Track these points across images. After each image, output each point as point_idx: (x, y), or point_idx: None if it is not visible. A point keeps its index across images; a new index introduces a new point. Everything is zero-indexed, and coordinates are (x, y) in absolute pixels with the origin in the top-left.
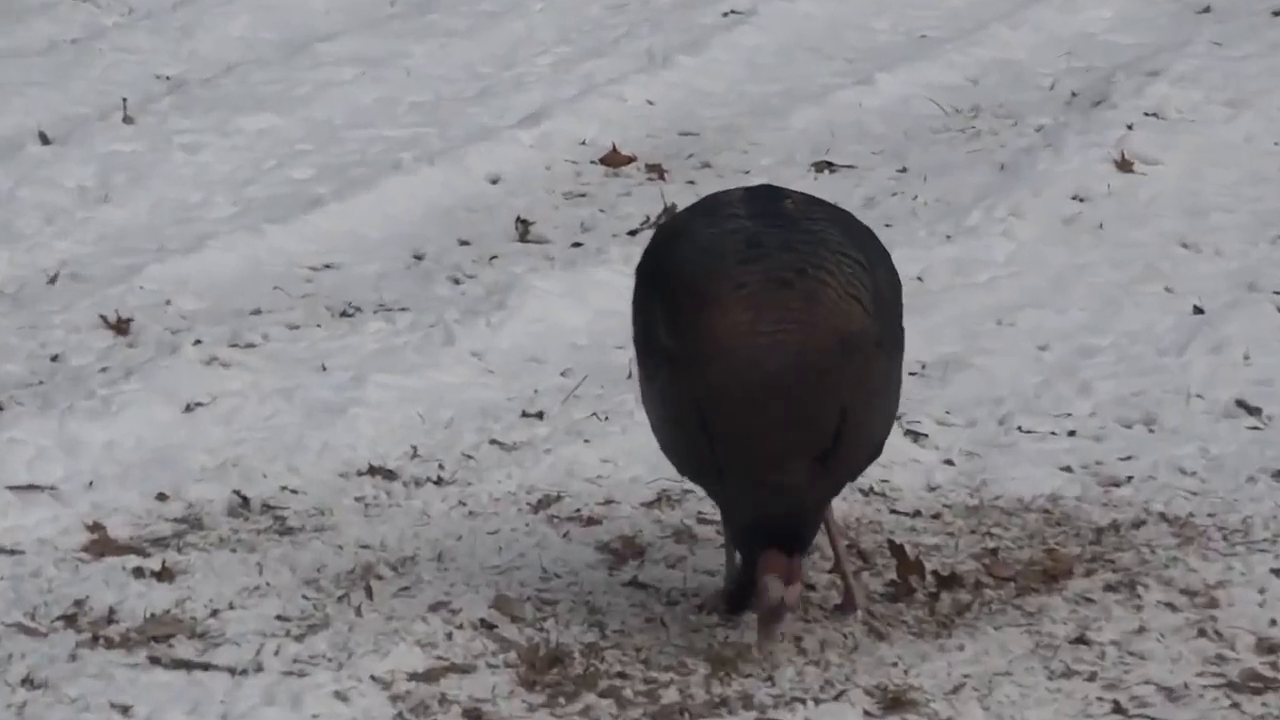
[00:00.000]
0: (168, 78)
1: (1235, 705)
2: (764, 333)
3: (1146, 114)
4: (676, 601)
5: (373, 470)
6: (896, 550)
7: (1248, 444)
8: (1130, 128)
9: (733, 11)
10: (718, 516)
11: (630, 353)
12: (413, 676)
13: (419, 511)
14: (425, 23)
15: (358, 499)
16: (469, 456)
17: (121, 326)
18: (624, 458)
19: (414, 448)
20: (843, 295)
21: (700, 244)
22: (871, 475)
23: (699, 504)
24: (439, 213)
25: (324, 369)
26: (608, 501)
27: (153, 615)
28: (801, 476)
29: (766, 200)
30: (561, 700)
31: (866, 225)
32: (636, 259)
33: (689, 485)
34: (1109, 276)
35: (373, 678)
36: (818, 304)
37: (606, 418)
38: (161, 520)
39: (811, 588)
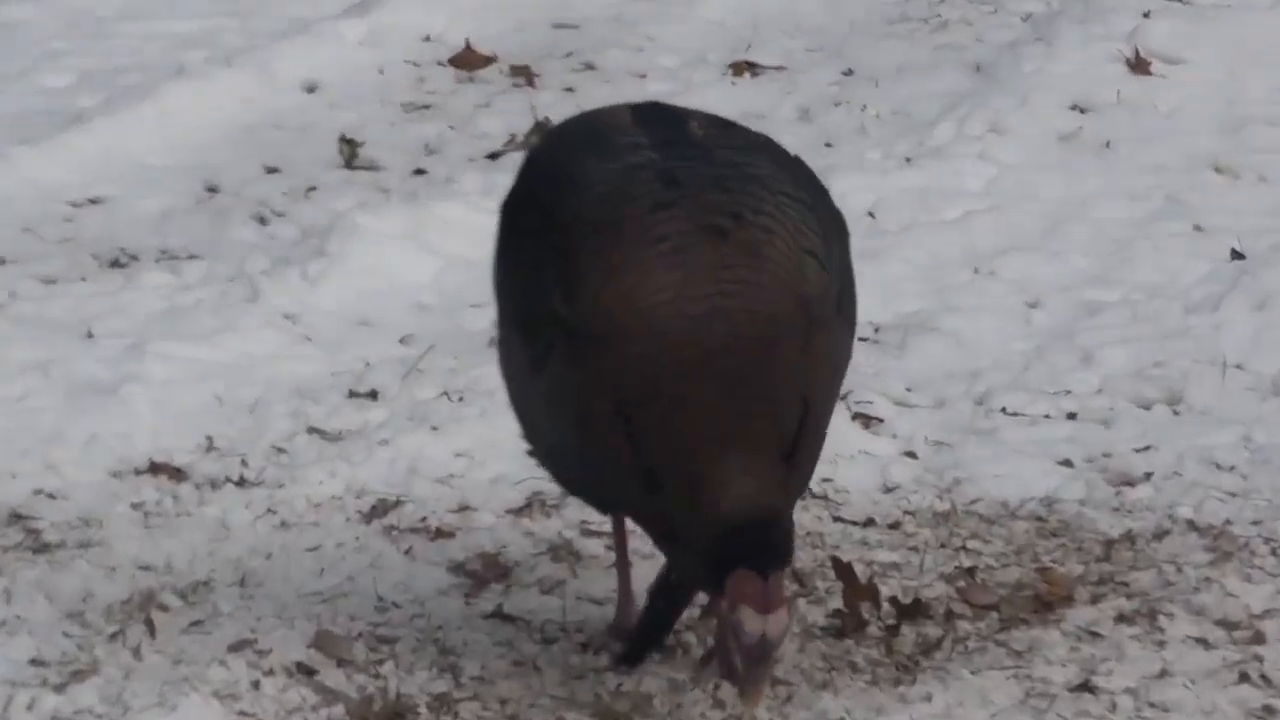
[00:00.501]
0: None
1: None
2: (697, 298)
3: None
4: (554, 639)
5: (155, 468)
6: (843, 570)
7: None
8: (1147, 15)
9: None
10: (605, 527)
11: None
12: None
13: (215, 522)
14: None
15: (135, 506)
16: (280, 450)
17: None
18: (483, 451)
19: (209, 439)
20: (792, 248)
21: (597, 186)
22: None
23: (584, 510)
24: (238, 131)
25: (90, 336)
26: (462, 508)
27: None
28: (769, 479)
29: (666, 125)
30: None
31: (793, 154)
32: (499, 190)
33: None
34: (1119, 212)
35: None
36: (763, 259)
37: (460, 399)
38: None
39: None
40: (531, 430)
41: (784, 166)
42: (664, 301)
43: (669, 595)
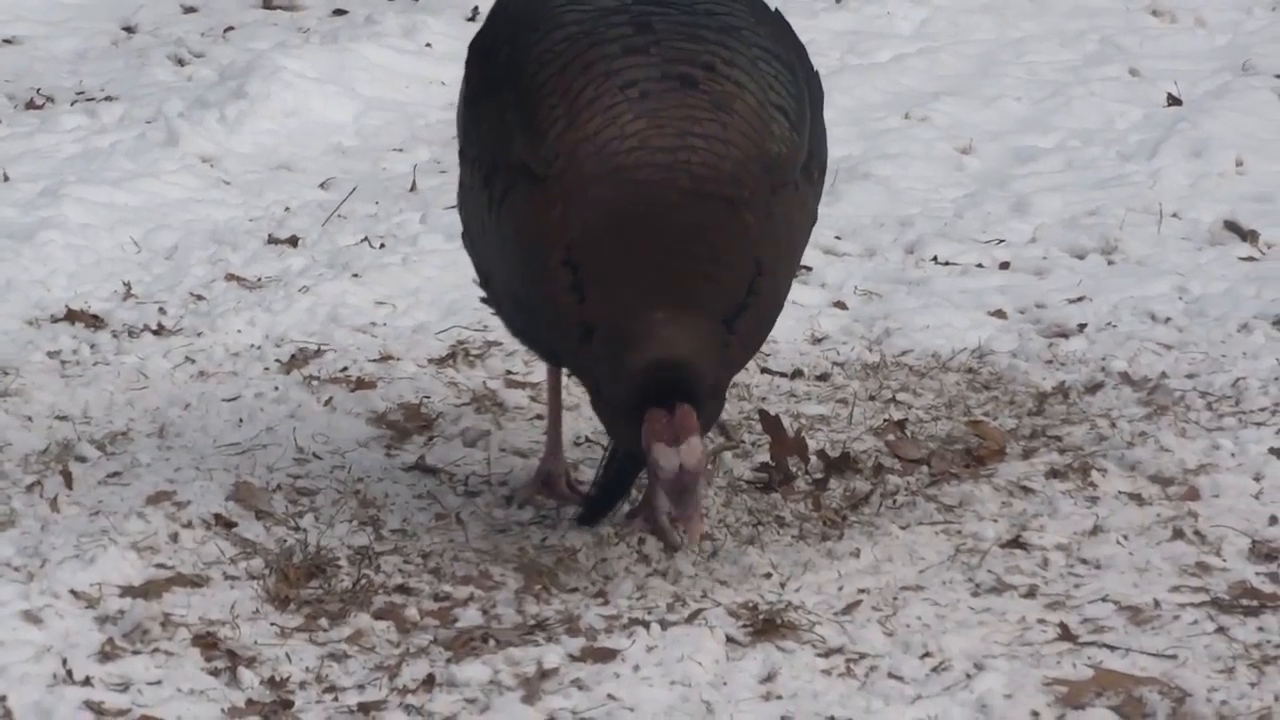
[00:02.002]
0: None
1: (1221, 630)
2: (661, 149)
3: None
4: (477, 492)
5: (71, 316)
6: (770, 423)
7: (1240, 281)
8: None
9: None
10: (530, 377)
11: (416, 158)
12: (126, 591)
13: (133, 371)
14: None
15: (51, 354)
16: (198, 297)
17: None
18: (406, 299)
19: (126, 285)
20: (763, 103)
21: (568, 26)
22: None
23: (509, 359)
24: None
25: (4, 179)
26: (384, 358)
27: None
28: (697, 338)
29: None
30: (323, 623)
31: (774, 10)
32: (420, 30)
33: (493, 336)
34: (1053, 55)
35: (73, 593)
36: (731, 114)
37: (382, 245)
38: None
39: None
40: (486, 274)
41: (764, 20)
42: (628, 149)
43: (626, 456)
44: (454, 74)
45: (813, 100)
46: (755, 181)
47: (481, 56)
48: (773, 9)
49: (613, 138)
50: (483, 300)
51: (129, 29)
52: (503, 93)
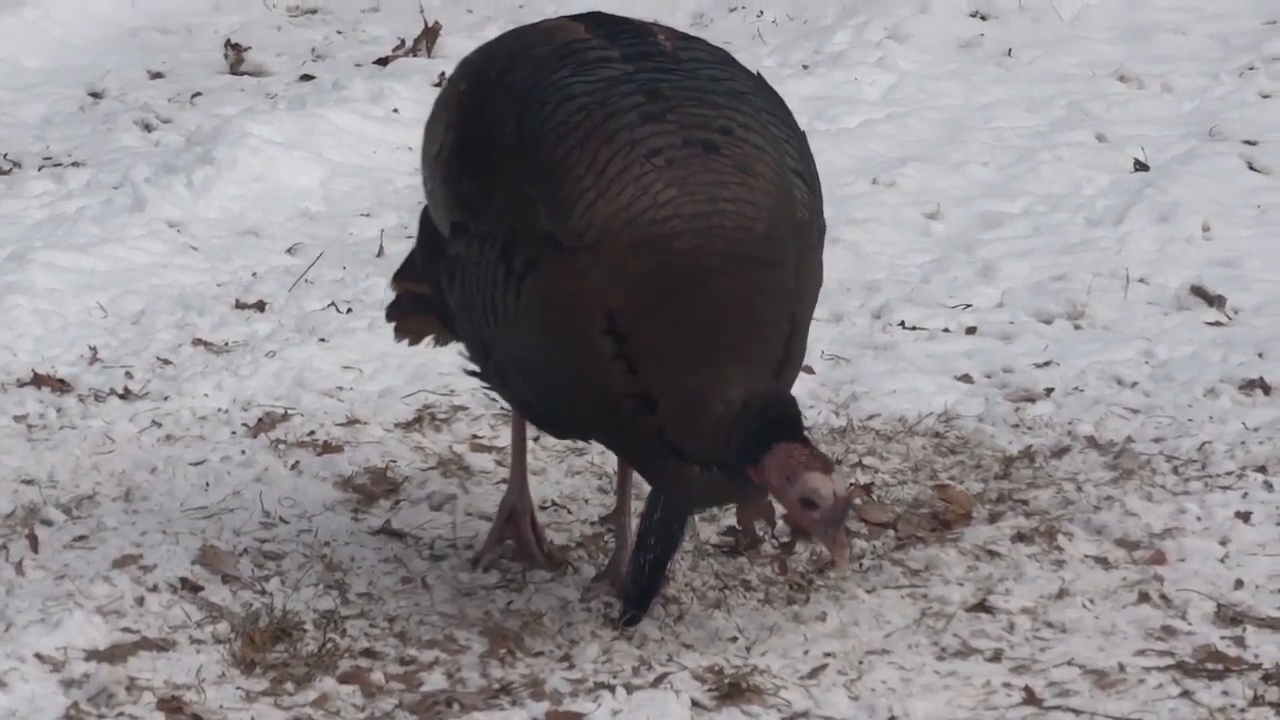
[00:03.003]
0: None
1: (1186, 694)
2: (694, 215)
3: None
4: (443, 555)
5: (38, 380)
6: None
7: (1206, 345)
8: None
9: None
10: (497, 441)
11: (383, 223)
12: (91, 655)
13: (100, 435)
14: None
15: (17, 419)
16: (165, 361)
17: None
18: (372, 363)
19: (92, 349)
20: (781, 166)
21: (578, 98)
22: None
23: (474, 424)
24: (123, 35)
25: None
26: (351, 422)
27: None
28: (769, 381)
29: (630, 36)
30: (289, 686)
31: (754, 71)
32: (387, 96)
33: (459, 400)
34: (1021, 121)
35: (38, 656)
36: (756, 176)
37: (349, 310)
38: None
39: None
40: (484, 348)
41: (758, 84)
42: (663, 218)
43: (662, 533)
44: (420, 139)
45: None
46: (785, 241)
47: (474, 130)
48: (754, 71)
49: (646, 207)
50: (472, 374)
51: (96, 94)
52: (518, 165)
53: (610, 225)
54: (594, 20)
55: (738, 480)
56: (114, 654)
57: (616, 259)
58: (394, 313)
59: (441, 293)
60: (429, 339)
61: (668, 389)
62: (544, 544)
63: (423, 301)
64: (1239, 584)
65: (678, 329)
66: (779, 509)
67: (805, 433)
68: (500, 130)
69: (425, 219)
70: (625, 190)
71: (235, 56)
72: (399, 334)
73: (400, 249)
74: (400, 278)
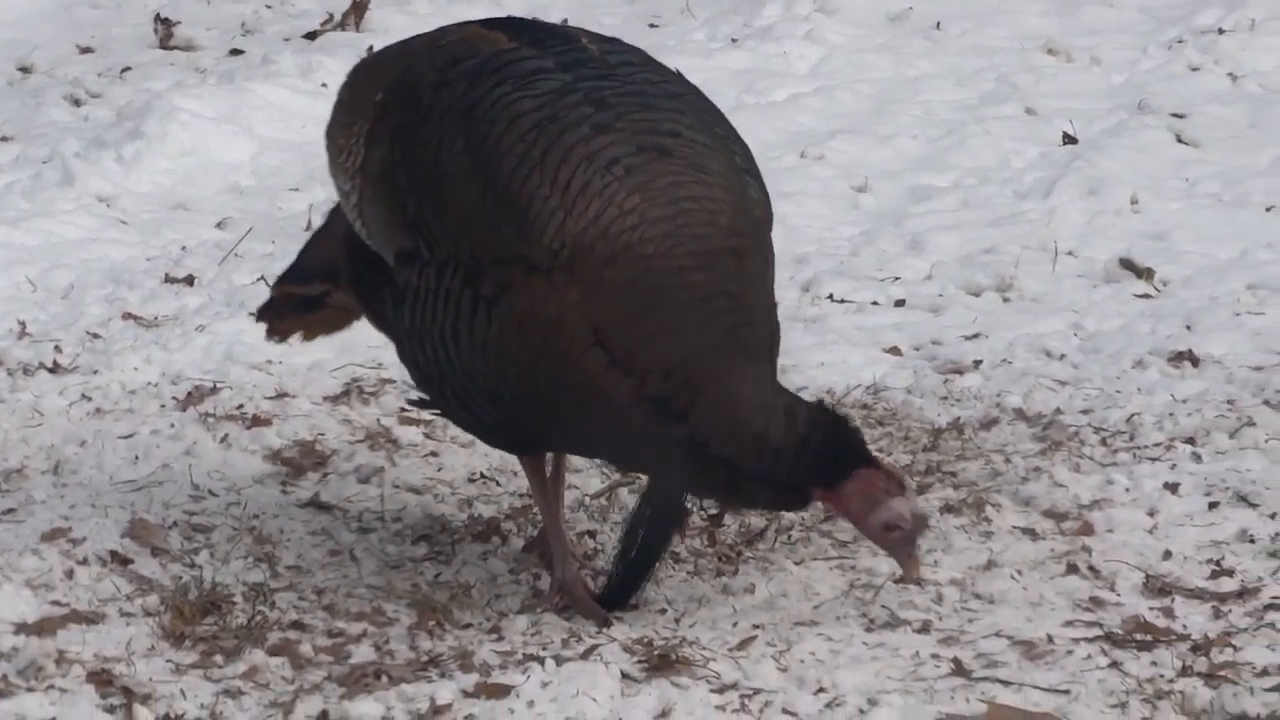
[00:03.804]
0: None
1: (1115, 664)
2: (662, 218)
3: None
4: (371, 528)
5: None
6: None
7: (1135, 317)
8: None
9: None
10: (426, 415)
11: (312, 197)
12: (20, 628)
13: (28, 408)
14: None
15: None
16: (95, 335)
17: None
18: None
19: (21, 324)
20: (730, 164)
21: (528, 115)
22: None
23: (400, 397)
24: (52, 10)
25: None
26: (279, 395)
27: None
28: (776, 384)
29: (558, 43)
30: (218, 659)
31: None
32: (316, 70)
33: (387, 374)
34: (950, 94)
35: None
36: (712, 174)
37: None
38: None
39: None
40: (440, 377)
41: (684, 84)
42: (631, 225)
43: (657, 530)
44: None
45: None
46: (748, 231)
47: (416, 151)
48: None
49: (614, 218)
50: (415, 403)
51: (25, 69)
52: (474, 188)
53: (582, 241)
54: (512, 27)
55: (787, 495)
56: (43, 627)
57: (593, 273)
58: (267, 314)
59: (372, 309)
60: (297, 335)
61: (689, 394)
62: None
63: (301, 304)
64: (1167, 555)
65: (669, 332)
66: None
67: (873, 452)
68: (447, 151)
69: (348, 235)
70: (591, 204)
71: (165, 31)
72: (271, 335)
73: None
74: (283, 281)
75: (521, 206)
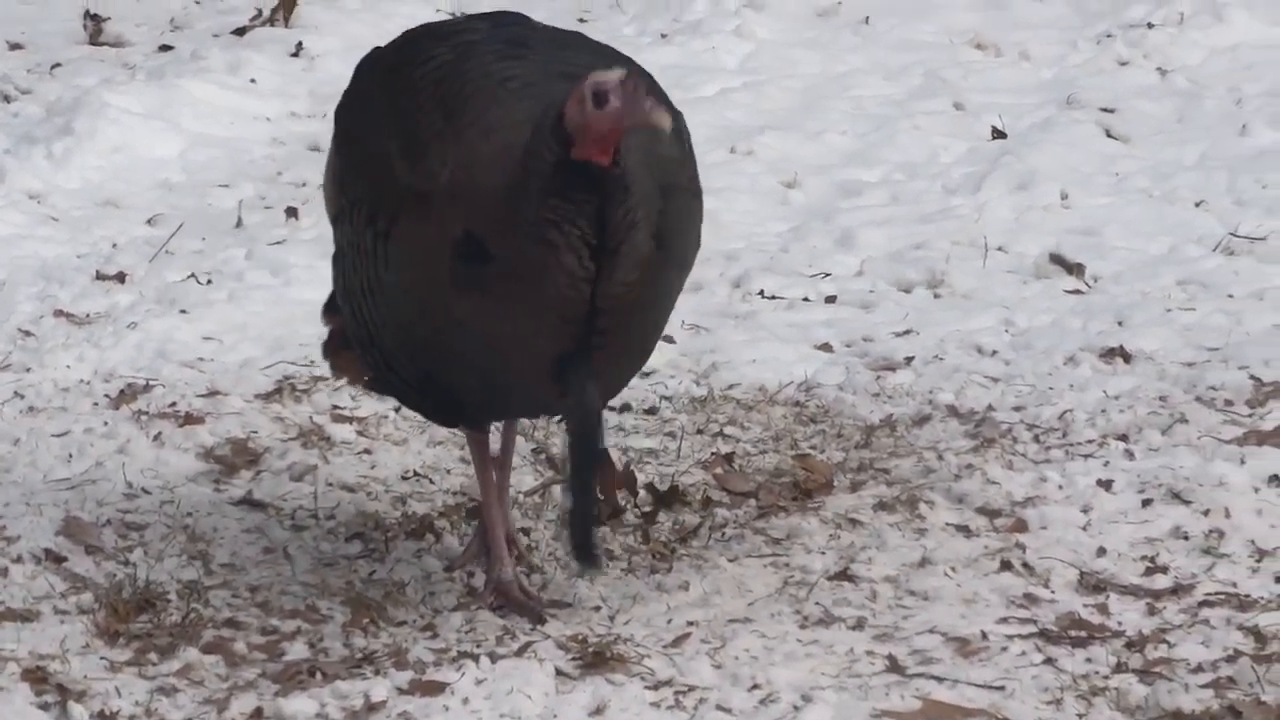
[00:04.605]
0: None
1: (1049, 661)
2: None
3: None
4: (304, 526)
5: None
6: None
7: (1066, 313)
8: None
9: None
10: (358, 412)
11: (241, 193)
12: None
13: None
14: None
15: None
16: (26, 333)
17: None
18: (233, 334)
19: None
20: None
21: (438, 58)
22: None
23: (335, 395)
24: None
25: None
26: (212, 393)
27: None
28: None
29: (505, 19)
30: (153, 657)
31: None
32: (245, 66)
33: (319, 371)
34: (878, 89)
35: None
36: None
37: (209, 281)
38: None
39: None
40: (370, 339)
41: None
42: (517, 124)
43: (580, 466)
44: (278, 109)
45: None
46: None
47: (353, 112)
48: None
49: (502, 120)
50: (373, 388)
51: None
52: (380, 128)
53: (460, 146)
54: (485, 13)
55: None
56: None
57: (469, 178)
58: (328, 349)
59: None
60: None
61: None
62: (531, 593)
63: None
64: (1101, 552)
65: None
66: (640, 478)
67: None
68: (368, 106)
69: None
70: (471, 111)
71: (94, 27)
72: (335, 372)
73: (258, 219)
74: (329, 310)
75: (411, 132)
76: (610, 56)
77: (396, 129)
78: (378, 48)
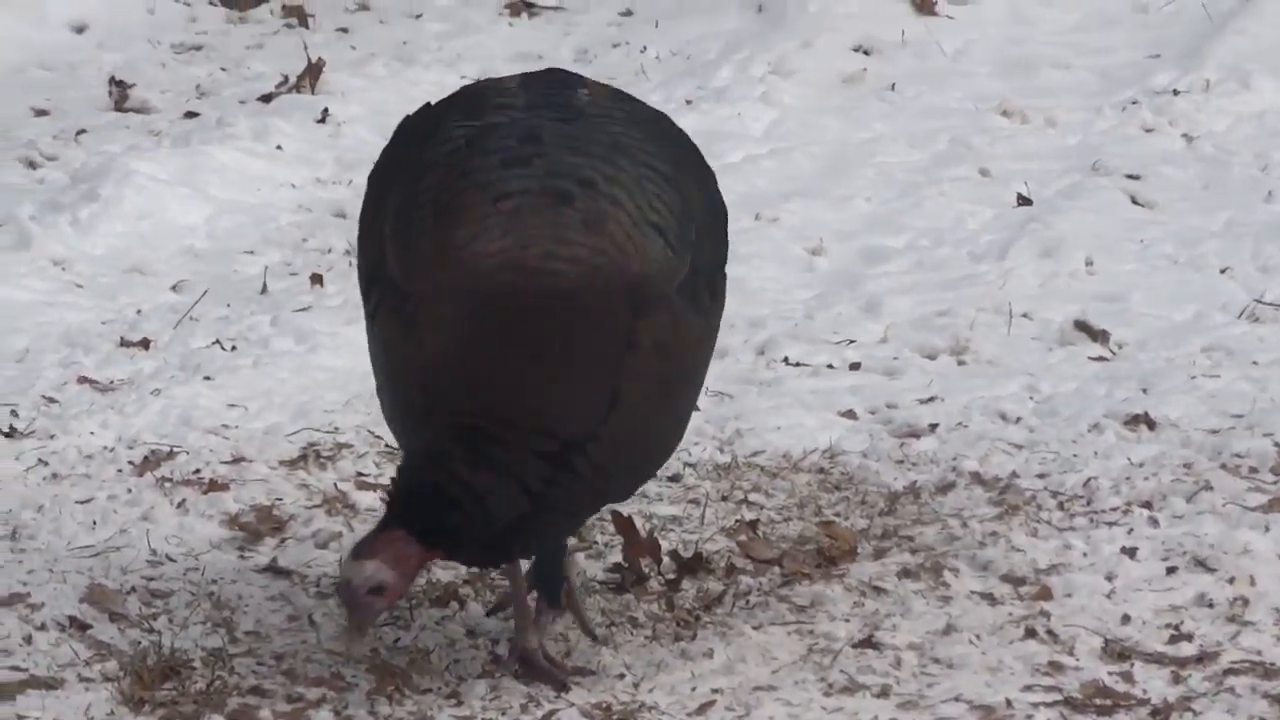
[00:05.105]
0: None
1: None
2: (526, 271)
3: None
4: (329, 593)
5: None
6: (623, 524)
7: (1091, 380)
8: None
9: None
10: (381, 479)
11: (267, 260)
12: None
13: None
14: None
15: None
16: (51, 400)
17: None
18: (257, 400)
19: None
20: (638, 223)
21: (455, 140)
22: None
23: (359, 461)
24: (5, 72)
25: None
26: (237, 459)
27: None
28: (513, 454)
29: (552, 86)
30: None
31: (684, 133)
32: (271, 133)
33: (344, 438)
34: (904, 156)
35: None
36: (602, 235)
37: (234, 347)
38: None
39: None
40: (383, 409)
41: (662, 141)
42: (490, 268)
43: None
44: (304, 176)
45: (713, 228)
46: (619, 307)
47: (375, 173)
48: (686, 138)
49: (475, 252)
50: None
51: None
52: (385, 201)
53: (441, 269)
54: (539, 74)
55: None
56: (1, 692)
57: (433, 302)
58: None
59: None
60: None
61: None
62: (555, 661)
63: None
64: (1126, 619)
65: (461, 362)
66: (664, 545)
67: (443, 545)
68: (386, 176)
69: None
70: (459, 235)
71: (119, 93)
72: None
73: (283, 286)
74: None
75: (404, 222)
76: (631, 157)
77: (395, 210)
78: (427, 104)
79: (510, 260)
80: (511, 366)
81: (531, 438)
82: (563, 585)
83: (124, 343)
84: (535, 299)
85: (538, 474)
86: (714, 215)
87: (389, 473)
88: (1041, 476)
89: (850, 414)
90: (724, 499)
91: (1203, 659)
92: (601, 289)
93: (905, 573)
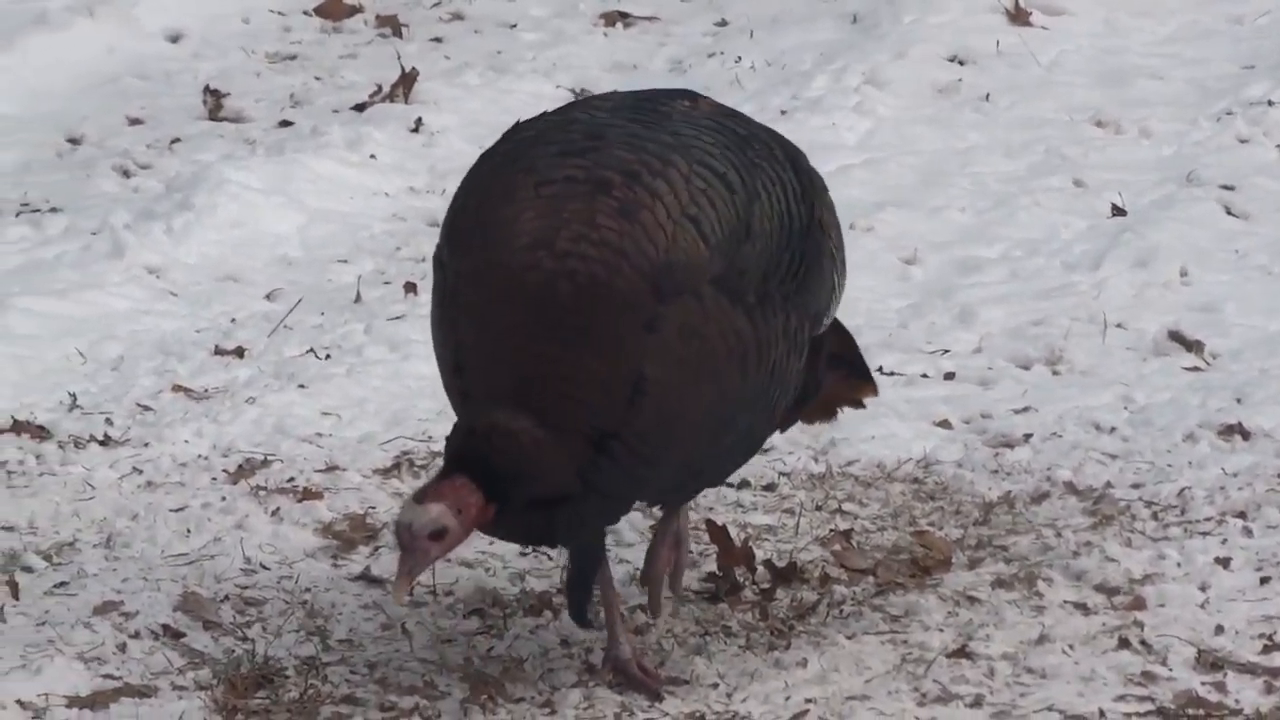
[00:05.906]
0: None
1: None
2: (554, 253)
3: None
4: (422, 602)
5: (17, 426)
6: (717, 533)
7: (1185, 390)
8: None
9: None
10: None
11: (360, 269)
12: (73, 702)
13: (80, 481)
14: None
15: None
16: (145, 408)
17: None
18: (351, 409)
19: (72, 396)
20: (673, 215)
21: (528, 132)
22: None
23: None
24: (100, 82)
25: None
26: (330, 468)
27: None
28: (538, 443)
29: (654, 97)
30: None
31: (798, 148)
32: (365, 142)
33: (437, 446)
34: (998, 166)
35: (19, 703)
36: (634, 222)
37: (328, 356)
38: None
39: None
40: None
41: (743, 149)
42: (519, 248)
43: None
44: (397, 185)
45: (792, 242)
46: (642, 293)
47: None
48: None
49: (508, 234)
50: None
51: (74, 140)
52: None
53: (475, 249)
54: (659, 89)
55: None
56: (96, 700)
57: (469, 283)
58: None
59: None
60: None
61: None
62: (649, 670)
63: None
64: (1219, 630)
65: (496, 349)
66: (759, 555)
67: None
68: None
69: None
70: (499, 214)
71: (214, 102)
72: None
73: (377, 294)
74: None
75: (457, 201)
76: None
77: (459, 187)
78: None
79: (541, 239)
80: (538, 345)
81: (564, 416)
82: (591, 601)
83: (218, 351)
84: (561, 279)
85: (578, 451)
86: (794, 234)
87: None
88: (1136, 486)
89: (945, 424)
90: (818, 508)
91: None
92: (623, 271)
93: (999, 583)
